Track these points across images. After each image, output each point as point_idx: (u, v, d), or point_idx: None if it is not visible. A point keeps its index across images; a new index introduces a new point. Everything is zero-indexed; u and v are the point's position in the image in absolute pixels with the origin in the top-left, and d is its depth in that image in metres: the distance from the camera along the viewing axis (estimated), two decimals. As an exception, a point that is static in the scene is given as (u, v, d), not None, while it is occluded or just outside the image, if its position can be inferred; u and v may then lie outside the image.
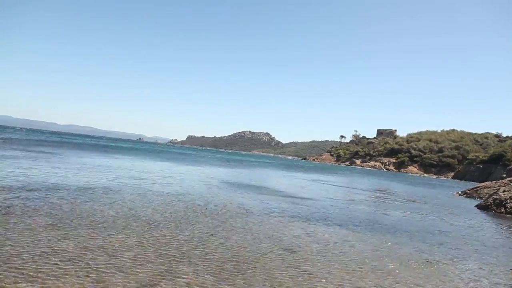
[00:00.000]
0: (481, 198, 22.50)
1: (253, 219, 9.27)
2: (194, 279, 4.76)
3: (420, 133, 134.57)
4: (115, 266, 4.87)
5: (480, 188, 26.32)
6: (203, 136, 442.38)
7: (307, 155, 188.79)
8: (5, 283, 4.00)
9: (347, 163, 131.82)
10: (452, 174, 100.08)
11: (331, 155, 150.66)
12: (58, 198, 8.88)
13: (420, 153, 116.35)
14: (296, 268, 5.65)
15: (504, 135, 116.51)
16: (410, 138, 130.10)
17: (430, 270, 6.36)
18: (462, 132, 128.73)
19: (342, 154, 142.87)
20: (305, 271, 5.55)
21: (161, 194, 11.55)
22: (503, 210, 15.63)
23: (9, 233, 5.69)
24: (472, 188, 28.10)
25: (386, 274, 5.85)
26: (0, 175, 11.51)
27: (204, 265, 5.32)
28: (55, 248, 5.28)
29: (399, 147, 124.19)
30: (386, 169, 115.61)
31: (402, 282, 5.55)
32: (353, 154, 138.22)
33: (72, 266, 4.67)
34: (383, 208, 14.60)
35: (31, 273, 4.32)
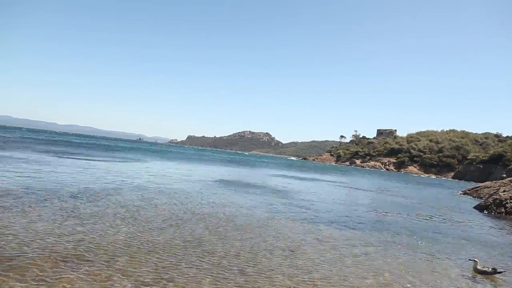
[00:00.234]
0: (481, 198, 22.50)
1: (253, 219, 9.26)
2: (195, 279, 4.76)
3: (420, 133, 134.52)
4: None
5: (480, 188, 26.33)
6: (203, 136, 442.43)
7: (307, 155, 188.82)
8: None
9: (347, 163, 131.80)
10: (452, 174, 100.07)
11: (331, 155, 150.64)
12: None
13: (420, 153, 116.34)
14: (297, 268, 5.65)
15: (504, 135, 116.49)
16: (410, 138, 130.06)
17: (430, 270, 6.37)
18: (462, 132, 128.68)
19: (342, 154, 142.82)
20: (305, 271, 5.56)
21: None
22: (503, 210, 15.63)
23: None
24: (472, 188, 28.12)
25: (386, 274, 5.85)
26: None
27: (204, 265, 5.32)
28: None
29: (399, 147, 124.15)
30: (386, 169, 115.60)
31: (402, 282, 5.56)
32: (353, 154, 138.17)
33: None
34: (383, 208, 14.60)
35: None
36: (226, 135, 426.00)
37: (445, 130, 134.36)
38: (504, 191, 17.01)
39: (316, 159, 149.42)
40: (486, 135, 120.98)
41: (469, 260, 6.82)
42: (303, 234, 8.17)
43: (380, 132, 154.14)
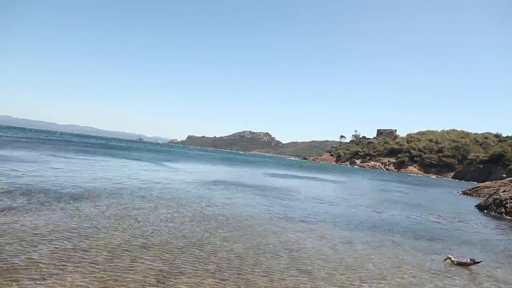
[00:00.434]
0: (481, 198, 22.52)
1: (254, 218, 9.29)
2: (195, 279, 4.78)
3: (420, 133, 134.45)
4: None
5: (480, 188, 26.37)
6: (203, 136, 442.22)
7: (307, 155, 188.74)
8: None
9: (347, 163, 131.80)
10: (452, 174, 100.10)
11: (331, 155, 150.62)
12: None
13: (420, 153, 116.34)
14: (297, 269, 5.67)
15: (504, 135, 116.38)
16: (410, 138, 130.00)
17: (430, 269, 6.39)
18: (462, 132, 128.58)
19: (342, 154, 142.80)
20: (306, 271, 5.57)
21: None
22: (503, 210, 15.65)
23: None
24: (472, 188, 28.14)
25: (386, 273, 5.87)
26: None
27: (204, 265, 5.35)
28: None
29: (399, 147, 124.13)
30: (386, 169, 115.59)
31: (402, 281, 5.58)
32: (353, 154, 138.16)
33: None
34: (383, 208, 14.61)
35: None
36: (226, 135, 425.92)
37: (445, 130, 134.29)
38: (504, 191, 17.03)
39: (316, 159, 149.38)
40: (486, 135, 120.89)
41: (445, 257, 7.05)
42: (304, 234, 8.19)
43: (380, 132, 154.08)
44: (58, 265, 4.68)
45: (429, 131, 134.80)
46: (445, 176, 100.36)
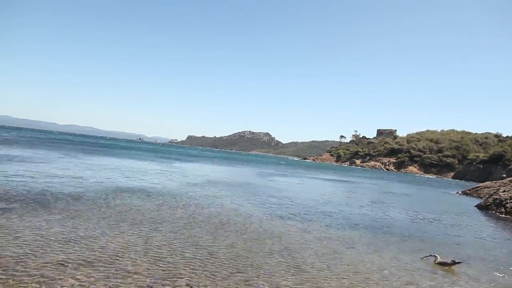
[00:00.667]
0: (481, 198, 22.53)
1: (254, 218, 9.29)
2: (195, 279, 4.79)
3: (420, 133, 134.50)
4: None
5: (480, 188, 26.36)
6: (203, 136, 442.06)
7: (307, 155, 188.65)
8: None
9: (347, 163, 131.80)
10: (452, 174, 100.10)
11: (331, 155, 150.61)
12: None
13: (420, 153, 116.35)
14: (297, 269, 5.68)
15: (504, 135, 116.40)
16: (410, 138, 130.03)
17: (429, 268, 6.39)
18: (462, 132, 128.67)
19: (342, 154, 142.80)
20: (305, 271, 5.58)
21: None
22: (503, 210, 15.66)
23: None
24: (472, 188, 28.13)
25: (385, 273, 5.87)
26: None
27: (205, 265, 5.35)
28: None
29: (399, 147, 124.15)
30: (386, 169, 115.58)
31: (402, 282, 5.58)
32: (353, 154, 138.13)
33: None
34: (382, 208, 14.62)
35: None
36: (226, 135, 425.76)
37: (445, 130, 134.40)
38: (504, 191, 17.04)
39: (316, 159, 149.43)
40: (486, 135, 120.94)
41: (430, 255, 7.07)
42: (304, 234, 8.19)
43: (380, 132, 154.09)
44: (61, 267, 4.68)
45: (429, 131, 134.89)
46: (445, 176, 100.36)
